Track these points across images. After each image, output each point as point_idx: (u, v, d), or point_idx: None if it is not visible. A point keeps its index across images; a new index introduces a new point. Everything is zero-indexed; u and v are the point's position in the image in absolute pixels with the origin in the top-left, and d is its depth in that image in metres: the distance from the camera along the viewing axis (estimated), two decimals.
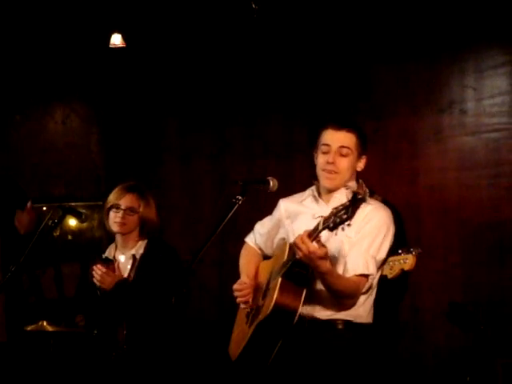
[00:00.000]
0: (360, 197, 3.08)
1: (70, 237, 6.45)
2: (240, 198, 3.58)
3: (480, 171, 5.52)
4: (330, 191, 3.64)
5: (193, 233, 6.25)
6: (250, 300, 3.75)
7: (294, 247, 3.32)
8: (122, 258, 4.36)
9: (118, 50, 6.12)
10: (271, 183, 3.64)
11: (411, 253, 4.14)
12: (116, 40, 6.04)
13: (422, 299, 5.59)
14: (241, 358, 3.70)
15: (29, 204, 4.55)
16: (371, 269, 3.47)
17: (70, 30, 6.20)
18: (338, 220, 3.10)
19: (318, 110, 5.96)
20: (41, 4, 5.87)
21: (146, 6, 6.01)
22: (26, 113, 6.56)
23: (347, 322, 3.54)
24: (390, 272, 4.16)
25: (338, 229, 3.20)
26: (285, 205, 3.85)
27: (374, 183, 5.57)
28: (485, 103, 5.52)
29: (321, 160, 3.62)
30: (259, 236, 3.94)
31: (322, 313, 3.52)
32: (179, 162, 6.62)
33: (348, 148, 3.58)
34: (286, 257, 3.50)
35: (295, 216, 3.76)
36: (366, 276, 3.48)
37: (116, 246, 4.40)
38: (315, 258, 3.25)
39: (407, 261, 4.13)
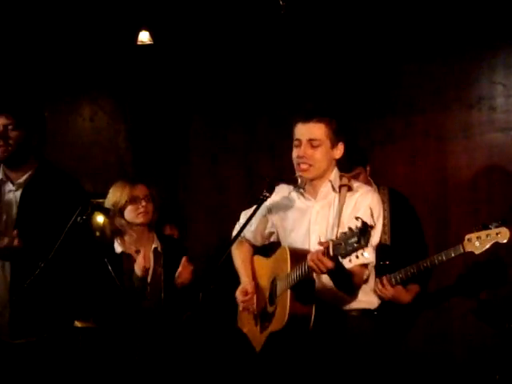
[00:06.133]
0: (370, 224, 3.12)
1: (97, 233, 6.47)
2: (267, 194, 3.59)
3: (509, 168, 5.47)
4: (313, 183, 3.65)
5: (220, 229, 6.26)
6: (254, 306, 3.80)
7: (307, 263, 3.33)
8: (141, 253, 4.33)
9: (145, 47, 6.14)
10: (299, 181, 3.65)
11: (503, 225, 4.02)
12: (144, 37, 6.07)
13: (450, 296, 5.55)
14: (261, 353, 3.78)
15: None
16: (370, 257, 3.49)
17: (98, 27, 6.23)
18: (350, 248, 3.13)
19: (347, 108, 5.95)
20: (69, 0, 5.89)
21: (173, 4, 6.03)
22: (54, 109, 6.59)
23: (364, 310, 3.63)
24: (477, 248, 4.06)
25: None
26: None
27: (401, 179, 5.63)
28: None
29: (294, 154, 3.66)
30: (248, 232, 3.90)
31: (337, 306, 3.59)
32: (206, 158, 6.63)
33: (318, 140, 3.59)
34: (289, 267, 3.51)
35: (284, 212, 3.76)
36: (366, 265, 3.53)
37: (124, 242, 4.35)
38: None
39: (500, 234, 4.02)
